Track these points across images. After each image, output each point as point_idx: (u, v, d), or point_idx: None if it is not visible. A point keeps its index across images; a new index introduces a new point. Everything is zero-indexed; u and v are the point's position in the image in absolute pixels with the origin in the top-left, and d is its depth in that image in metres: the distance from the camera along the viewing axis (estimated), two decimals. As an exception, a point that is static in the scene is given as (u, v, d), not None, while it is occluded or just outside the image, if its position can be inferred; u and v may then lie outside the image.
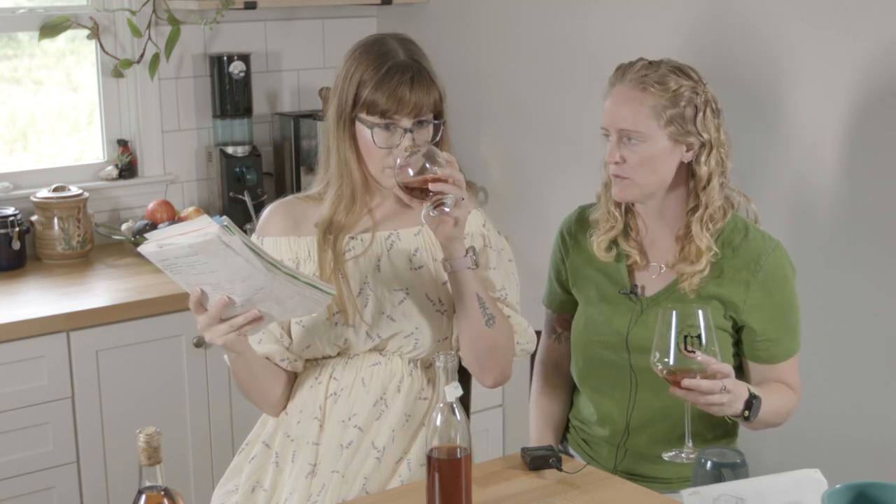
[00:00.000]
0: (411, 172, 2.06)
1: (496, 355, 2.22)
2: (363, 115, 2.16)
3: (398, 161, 2.09)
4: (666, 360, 2.03)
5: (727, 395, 2.06)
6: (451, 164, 2.06)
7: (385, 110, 2.13)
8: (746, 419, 2.14)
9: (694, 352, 2.02)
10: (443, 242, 2.12)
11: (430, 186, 2.03)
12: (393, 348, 2.24)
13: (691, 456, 2.07)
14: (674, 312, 2.03)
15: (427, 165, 2.05)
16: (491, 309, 2.18)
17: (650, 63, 2.26)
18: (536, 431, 2.46)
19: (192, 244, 1.83)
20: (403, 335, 2.22)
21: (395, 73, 2.14)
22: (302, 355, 2.25)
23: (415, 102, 2.13)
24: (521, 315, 2.30)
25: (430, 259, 2.24)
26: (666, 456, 2.12)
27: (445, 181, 2.04)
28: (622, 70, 2.27)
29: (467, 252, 2.13)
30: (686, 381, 2.02)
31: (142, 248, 1.89)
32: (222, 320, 1.98)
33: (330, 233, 2.20)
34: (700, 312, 2.03)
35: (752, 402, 2.12)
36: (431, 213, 2.04)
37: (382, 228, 2.25)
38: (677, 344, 2.03)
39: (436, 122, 2.18)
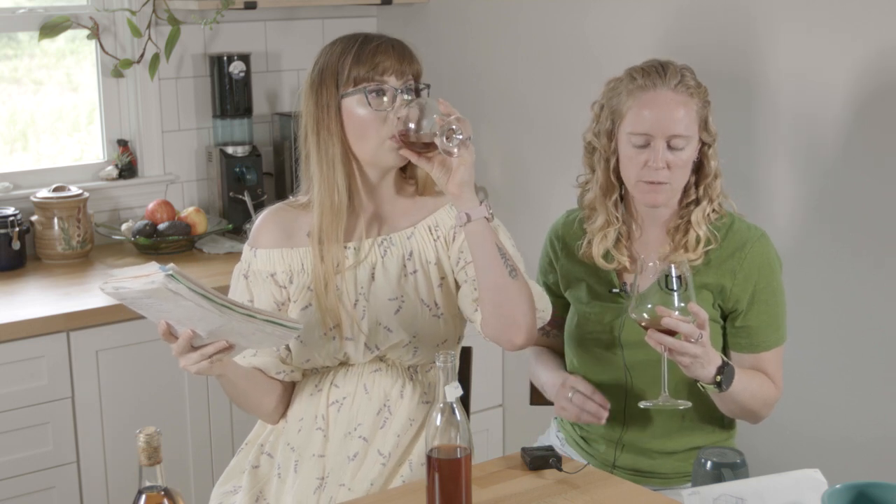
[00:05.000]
0: (412, 126, 2.02)
1: (523, 309, 2.09)
2: (350, 90, 2.12)
3: (395, 116, 2.06)
4: (647, 304, 2.05)
5: (700, 347, 2.06)
6: (449, 109, 2.01)
7: (370, 70, 2.11)
8: (718, 385, 2.14)
9: (675, 290, 2.03)
10: (455, 192, 2.02)
11: (437, 121, 1.99)
12: (393, 357, 2.22)
13: (667, 402, 2.10)
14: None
15: (425, 117, 2.01)
16: (511, 260, 2.08)
17: (672, 64, 2.25)
18: (547, 374, 2.44)
19: (143, 290, 1.85)
20: (402, 345, 2.20)
21: (371, 41, 2.14)
22: (301, 367, 2.24)
23: (397, 65, 2.12)
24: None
25: (423, 262, 2.21)
26: (642, 404, 2.14)
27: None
28: (656, 74, 2.23)
29: (482, 202, 2.05)
30: (667, 320, 2.03)
31: (103, 289, 1.91)
32: (194, 348, 1.97)
33: (322, 243, 2.15)
34: (680, 260, 2.10)
35: (724, 369, 2.13)
36: (446, 143, 1.96)
37: (374, 234, 2.21)
38: (658, 283, 2.05)
39: (423, 87, 2.16)
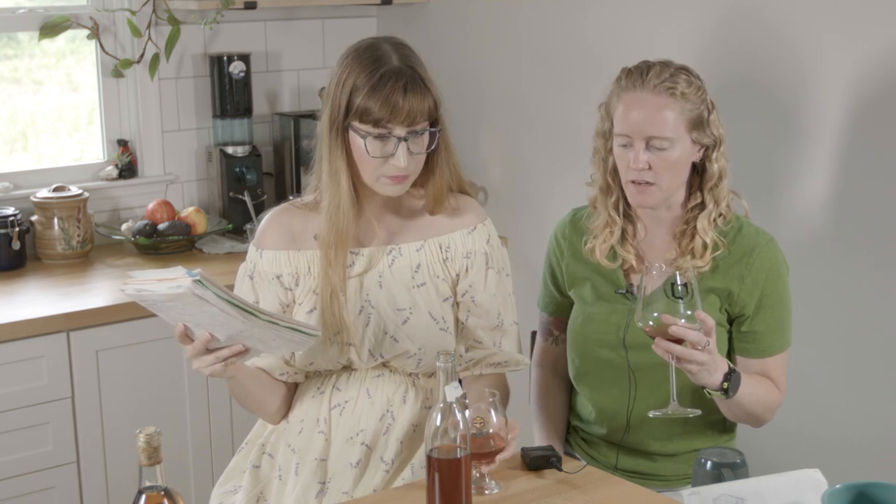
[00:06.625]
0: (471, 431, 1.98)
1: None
2: (356, 124, 2.10)
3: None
4: (652, 312, 2.04)
5: (707, 354, 2.06)
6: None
7: (378, 119, 2.08)
8: (725, 392, 2.13)
9: (681, 298, 2.03)
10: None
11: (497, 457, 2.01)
12: (397, 364, 2.22)
13: (677, 411, 2.09)
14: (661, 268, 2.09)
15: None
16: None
17: (662, 65, 2.24)
18: (540, 433, 2.46)
19: (167, 294, 1.85)
20: (407, 356, 2.20)
21: (388, 80, 2.08)
22: (304, 370, 2.24)
23: (408, 110, 2.08)
24: (516, 324, 2.30)
25: (432, 276, 2.21)
26: (651, 414, 2.12)
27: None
28: (638, 75, 2.23)
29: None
30: (674, 328, 2.02)
31: (123, 290, 1.91)
32: (209, 350, 1.97)
33: (330, 248, 2.15)
34: (686, 267, 2.09)
35: (730, 376, 2.12)
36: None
37: (383, 242, 2.21)
38: (663, 290, 2.04)
39: (431, 129, 2.14)
